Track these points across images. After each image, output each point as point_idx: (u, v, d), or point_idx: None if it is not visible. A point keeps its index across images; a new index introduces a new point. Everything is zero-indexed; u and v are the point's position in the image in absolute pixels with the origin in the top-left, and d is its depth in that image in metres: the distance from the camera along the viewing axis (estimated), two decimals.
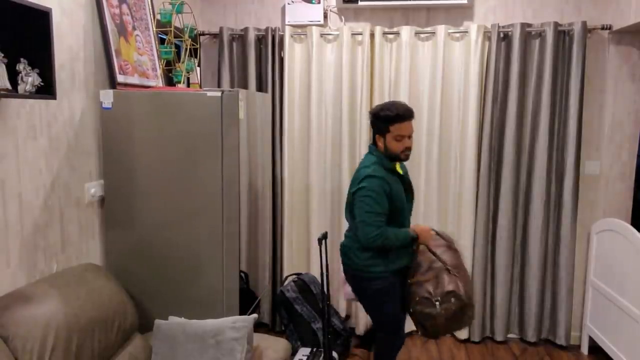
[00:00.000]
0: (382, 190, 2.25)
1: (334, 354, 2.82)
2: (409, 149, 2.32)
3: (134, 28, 2.49)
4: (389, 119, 2.26)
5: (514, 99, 3.20)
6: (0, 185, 1.74)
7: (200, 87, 3.35)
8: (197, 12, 3.27)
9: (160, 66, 2.71)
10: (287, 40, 3.28)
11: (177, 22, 2.81)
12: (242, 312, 2.32)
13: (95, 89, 2.24)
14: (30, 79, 1.66)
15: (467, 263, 3.34)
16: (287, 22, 3.32)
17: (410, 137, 2.31)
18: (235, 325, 1.98)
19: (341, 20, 3.39)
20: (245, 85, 3.37)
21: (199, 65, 3.35)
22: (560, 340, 3.35)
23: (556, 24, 3.11)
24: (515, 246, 3.37)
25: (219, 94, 2.11)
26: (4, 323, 1.58)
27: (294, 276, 3.20)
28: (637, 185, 3.39)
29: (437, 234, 2.50)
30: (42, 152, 1.93)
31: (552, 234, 3.32)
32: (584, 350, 3.34)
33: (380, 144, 2.34)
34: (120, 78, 2.29)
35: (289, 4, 3.31)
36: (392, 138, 2.29)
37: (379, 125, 2.32)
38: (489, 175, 3.29)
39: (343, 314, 3.39)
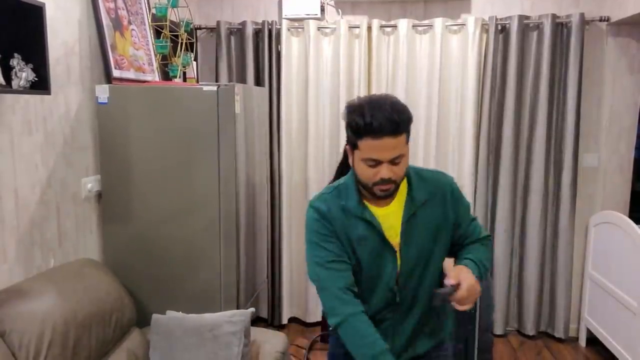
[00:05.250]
0: (319, 231, 1.44)
1: None
2: (387, 181, 1.35)
3: (129, 22, 2.48)
4: (357, 129, 1.34)
5: (511, 92, 3.19)
6: None
7: (197, 81, 3.34)
8: (193, 6, 3.26)
9: (156, 61, 2.70)
10: (284, 33, 3.27)
11: (172, 16, 2.80)
12: (240, 306, 2.33)
13: (90, 83, 2.23)
14: (24, 74, 1.65)
15: None
16: (284, 16, 3.31)
17: (394, 162, 1.34)
18: (232, 319, 1.99)
19: (338, 14, 3.38)
20: (243, 80, 3.36)
21: (195, 60, 3.34)
22: (559, 333, 3.36)
23: (554, 16, 3.10)
24: (514, 239, 3.38)
25: (215, 88, 2.11)
26: (0, 318, 1.58)
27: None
28: (635, 177, 3.39)
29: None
30: (38, 148, 1.93)
31: (550, 227, 3.32)
32: (582, 342, 3.35)
33: (350, 161, 1.46)
34: (116, 73, 2.29)
35: None
36: (360, 159, 1.37)
37: (347, 132, 1.40)
38: (487, 169, 3.28)
39: None
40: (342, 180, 1.53)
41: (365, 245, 1.43)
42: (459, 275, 1.36)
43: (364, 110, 1.32)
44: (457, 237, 1.52)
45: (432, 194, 1.46)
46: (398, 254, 1.43)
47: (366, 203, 1.45)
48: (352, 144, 1.39)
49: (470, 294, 1.33)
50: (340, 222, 1.44)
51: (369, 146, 1.33)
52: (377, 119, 1.29)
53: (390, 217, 1.44)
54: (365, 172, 1.37)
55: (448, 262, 1.48)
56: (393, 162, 1.34)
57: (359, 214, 1.43)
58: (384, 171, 1.34)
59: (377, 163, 1.34)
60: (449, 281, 1.35)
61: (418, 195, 1.45)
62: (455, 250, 1.54)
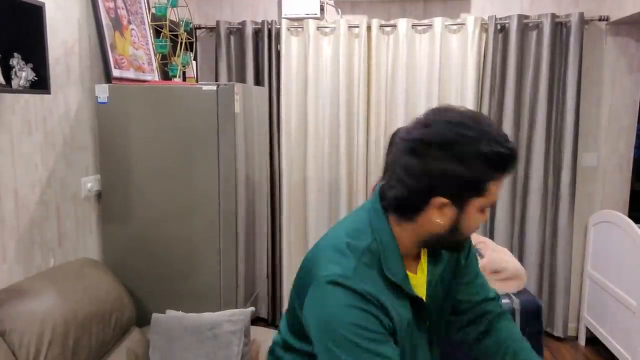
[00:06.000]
0: (369, 328, 0.93)
1: None
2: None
3: (129, 22, 2.48)
4: (501, 163, 0.93)
5: (511, 91, 3.19)
6: None
7: (197, 81, 3.34)
8: (193, 6, 3.26)
9: (156, 60, 2.70)
10: (283, 33, 3.27)
11: (172, 15, 2.80)
12: (240, 306, 2.33)
13: (90, 83, 2.23)
14: (24, 73, 1.65)
15: None
16: (283, 15, 3.31)
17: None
18: (232, 318, 1.99)
19: (338, 13, 3.38)
20: (243, 79, 3.36)
21: (195, 59, 3.34)
22: (558, 332, 3.36)
23: (553, 16, 3.10)
24: (513, 239, 3.38)
25: (215, 88, 2.11)
26: (1, 318, 1.58)
27: None
28: (635, 177, 3.39)
29: None
30: (38, 147, 1.93)
31: (549, 226, 3.33)
32: (581, 341, 3.36)
33: (422, 220, 0.99)
34: (115, 72, 2.29)
35: None
36: (479, 207, 0.97)
37: (465, 172, 0.92)
38: None
39: None
40: (367, 238, 1.00)
41: (409, 328, 1.04)
42: None
43: (494, 135, 0.92)
44: (461, 290, 1.20)
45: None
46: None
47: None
48: (474, 186, 0.93)
49: None
50: (390, 303, 0.97)
51: (498, 186, 0.96)
52: (513, 145, 0.94)
53: (419, 284, 1.09)
54: (476, 224, 0.99)
55: None
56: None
57: (406, 289, 1.01)
58: (486, 214, 1.01)
59: (486, 207, 0.99)
60: None
61: (441, 252, 1.14)
62: (467, 320, 1.23)
